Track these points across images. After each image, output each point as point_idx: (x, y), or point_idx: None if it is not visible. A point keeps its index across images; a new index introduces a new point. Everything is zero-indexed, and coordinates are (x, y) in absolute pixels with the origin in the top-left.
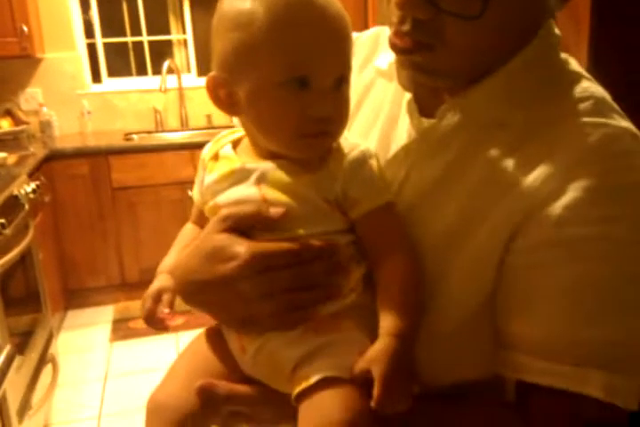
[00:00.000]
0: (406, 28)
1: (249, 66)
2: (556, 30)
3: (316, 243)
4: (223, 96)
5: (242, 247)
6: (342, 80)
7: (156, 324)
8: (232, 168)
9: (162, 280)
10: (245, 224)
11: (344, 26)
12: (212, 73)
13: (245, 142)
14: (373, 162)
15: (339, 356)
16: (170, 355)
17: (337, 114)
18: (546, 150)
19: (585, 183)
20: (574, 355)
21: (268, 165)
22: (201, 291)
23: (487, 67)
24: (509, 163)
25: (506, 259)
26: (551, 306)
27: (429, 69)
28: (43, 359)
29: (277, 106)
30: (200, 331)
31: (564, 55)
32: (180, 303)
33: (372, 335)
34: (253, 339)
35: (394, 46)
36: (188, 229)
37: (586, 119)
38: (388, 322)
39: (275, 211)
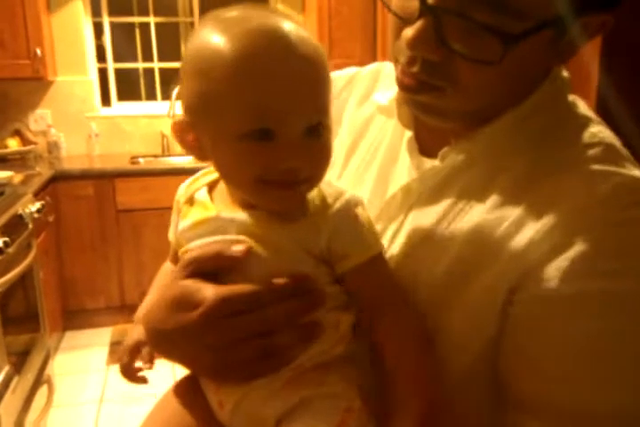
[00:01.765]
0: (415, 69)
1: (210, 114)
2: (564, 73)
3: (287, 279)
4: (190, 140)
5: (206, 293)
6: (316, 128)
7: (133, 378)
8: (207, 216)
9: (140, 332)
10: (209, 267)
11: (316, 69)
12: (180, 117)
13: (221, 187)
14: (360, 211)
15: (323, 413)
16: (166, 380)
17: (308, 163)
18: (551, 196)
19: (592, 236)
20: (582, 423)
21: (243, 216)
22: (168, 341)
23: (496, 110)
24: (513, 209)
25: (509, 311)
26: (553, 366)
27: (436, 111)
28: (38, 380)
29: (239, 157)
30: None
31: (571, 97)
32: None
33: (361, 389)
34: (231, 392)
35: (401, 84)
36: (167, 268)
37: (595, 167)
38: (404, 410)
39: (237, 249)
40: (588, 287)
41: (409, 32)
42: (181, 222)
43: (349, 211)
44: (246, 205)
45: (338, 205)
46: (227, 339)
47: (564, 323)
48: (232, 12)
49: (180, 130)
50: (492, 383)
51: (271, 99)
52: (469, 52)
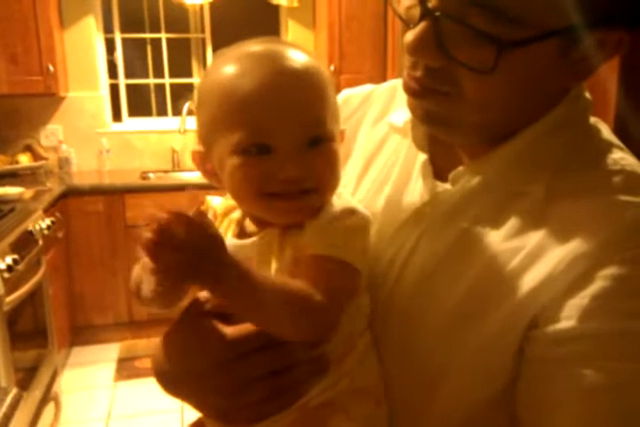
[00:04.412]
0: (418, 74)
1: (214, 138)
2: (587, 94)
3: None
4: (209, 169)
5: (217, 335)
6: (315, 140)
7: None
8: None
9: None
10: (223, 308)
11: (308, 86)
12: (197, 149)
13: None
14: (352, 219)
15: None
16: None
17: (309, 173)
18: (569, 226)
19: (615, 271)
20: None
21: (250, 241)
22: (178, 382)
23: (507, 127)
24: (530, 237)
25: (526, 348)
26: (570, 407)
27: (442, 119)
28: (45, 397)
29: (241, 172)
30: None
31: (593, 120)
32: None
33: (368, 426)
34: None
35: (407, 88)
36: None
37: (616, 197)
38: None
39: None
40: (606, 327)
41: (409, 36)
42: None
43: (341, 216)
44: (261, 224)
45: (334, 210)
46: (236, 382)
47: (582, 362)
48: (231, 48)
49: (199, 160)
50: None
51: (262, 116)
52: (465, 59)
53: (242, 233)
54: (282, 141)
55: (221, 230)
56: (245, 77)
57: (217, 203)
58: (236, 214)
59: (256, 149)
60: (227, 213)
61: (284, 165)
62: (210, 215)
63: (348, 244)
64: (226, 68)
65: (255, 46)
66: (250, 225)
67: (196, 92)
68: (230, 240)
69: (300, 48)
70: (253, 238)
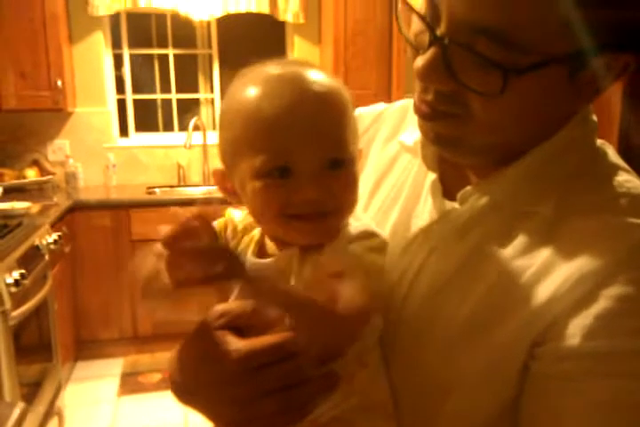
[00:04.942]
0: (429, 98)
1: (236, 159)
2: (593, 116)
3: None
4: (229, 187)
5: (233, 347)
6: (336, 163)
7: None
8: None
9: None
10: (241, 323)
11: (329, 109)
12: (218, 167)
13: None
14: (369, 241)
15: None
16: (177, 412)
17: (329, 195)
18: (577, 246)
19: (619, 291)
20: None
21: (267, 261)
22: (192, 393)
23: (515, 148)
24: (538, 256)
25: (531, 365)
26: (576, 424)
27: (452, 141)
28: (49, 412)
29: (262, 194)
30: None
31: (599, 142)
32: None
33: None
34: None
35: (418, 111)
36: None
37: (622, 218)
38: None
39: (275, 313)
40: (615, 346)
41: (419, 62)
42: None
43: (360, 238)
44: (280, 244)
45: (353, 232)
46: (251, 393)
47: (586, 379)
48: (254, 68)
49: (220, 178)
50: None
51: (285, 140)
52: (474, 84)
53: (261, 252)
54: (303, 164)
55: (241, 248)
56: (267, 101)
57: (238, 217)
58: (256, 233)
59: (278, 172)
60: (247, 229)
61: (304, 187)
62: (229, 230)
63: (369, 259)
64: (248, 90)
65: (276, 68)
66: (269, 244)
67: (218, 112)
68: (250, 259)
69: (319, 69)
70: (272, 258)
